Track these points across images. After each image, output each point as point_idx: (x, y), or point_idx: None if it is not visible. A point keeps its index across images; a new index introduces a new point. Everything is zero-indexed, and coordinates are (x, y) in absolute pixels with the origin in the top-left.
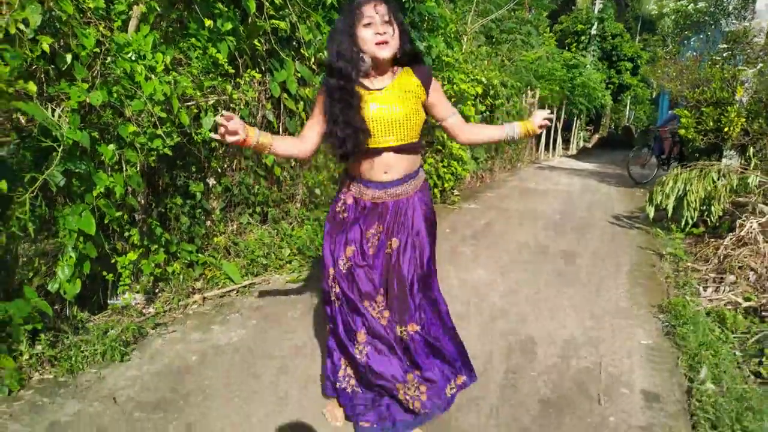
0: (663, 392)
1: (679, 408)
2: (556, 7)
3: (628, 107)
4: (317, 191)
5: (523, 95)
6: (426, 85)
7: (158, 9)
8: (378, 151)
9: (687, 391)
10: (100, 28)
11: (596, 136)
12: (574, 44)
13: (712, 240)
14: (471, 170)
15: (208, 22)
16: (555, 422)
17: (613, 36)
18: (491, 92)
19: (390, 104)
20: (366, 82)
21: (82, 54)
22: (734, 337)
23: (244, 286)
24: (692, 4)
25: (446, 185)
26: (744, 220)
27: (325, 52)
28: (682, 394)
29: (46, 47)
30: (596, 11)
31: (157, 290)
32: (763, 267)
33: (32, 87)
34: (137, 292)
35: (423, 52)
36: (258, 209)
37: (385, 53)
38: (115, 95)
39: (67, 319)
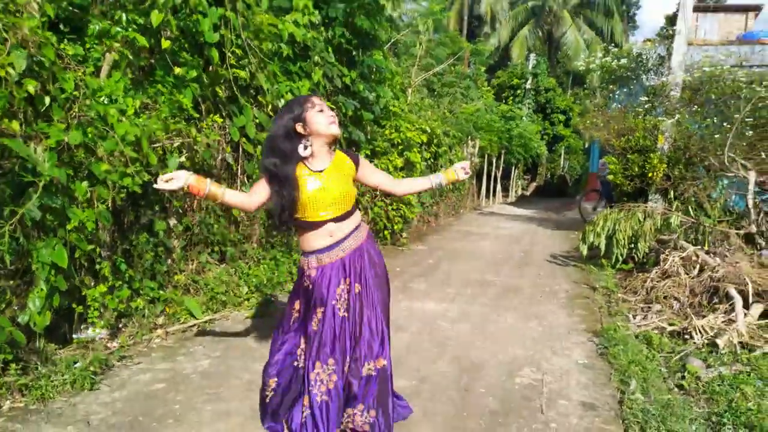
0: (598, 402)
1: (613, 415)
2: (493, 62)
3: (562, 157)
4: (273, 231)
5: (464, 145)
6: (356, 164)
7: (129, 56)
8: (320, 224)
9: (619, 401)
10: (78, 73)
11: (534, 185)
12: (511, 97)
13: (640, 274)
14: (418, 213)
15: (178, 70)
16: (503, 429)
17: (546, 90)
18: (435, 141)
19: (329, 185)
20: (308, 162)
21: (60, 97)
22: (660, 356)
23: (205, 321)
24: (615, 61)
25: (396, 227)
26: (667, 255)
27: (264, 146)
28: (615, 404)
29: (31, 89)
30: (530, 67)
31: (120, 325)
32: (684, 296)
33: (15, 126)
34: (102, 327)
35: (372, 103)
36: (216, 248)
37: (337, 130)
38: (90, 135)
39: (35, 351)
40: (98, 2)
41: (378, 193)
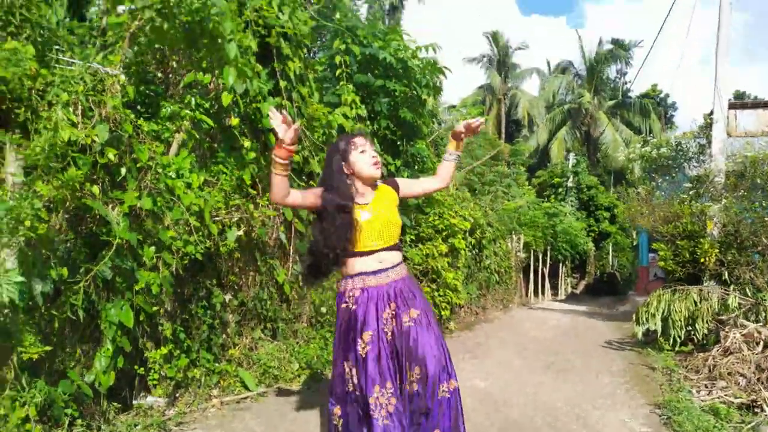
0: None
1: None
2: (533, 163)
3: (610, 254)
4: (323, 309)
5: (508, 239)
6: (396, 188)
7: (197, 136)
8: (370, 252)
9: None
10: (152, 146)
11: (583, 282)
12: (553, 195)
13: (701, 354)
14: (465, 302)
15: (246, 143)
16: None
17: (588, 187)
18: (478, 230)
19: (378, 213)
20: (357, 199)
21: (135, 167)
22: (730, 426)
23: (259, 394)
24: (655, 150)
25: (443, 313)
26: (727, 332)
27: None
28: None
29: (112, 157)
30: (570, 165)
31: (177, 394)
32: (750, 372)
33: (96, 190)
34: (160, 396)
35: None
36: (269, 324)
37: (379, 172)
38: (159, 204)
39: (99, 412)
40: (171, 87)
41: (423, 278)
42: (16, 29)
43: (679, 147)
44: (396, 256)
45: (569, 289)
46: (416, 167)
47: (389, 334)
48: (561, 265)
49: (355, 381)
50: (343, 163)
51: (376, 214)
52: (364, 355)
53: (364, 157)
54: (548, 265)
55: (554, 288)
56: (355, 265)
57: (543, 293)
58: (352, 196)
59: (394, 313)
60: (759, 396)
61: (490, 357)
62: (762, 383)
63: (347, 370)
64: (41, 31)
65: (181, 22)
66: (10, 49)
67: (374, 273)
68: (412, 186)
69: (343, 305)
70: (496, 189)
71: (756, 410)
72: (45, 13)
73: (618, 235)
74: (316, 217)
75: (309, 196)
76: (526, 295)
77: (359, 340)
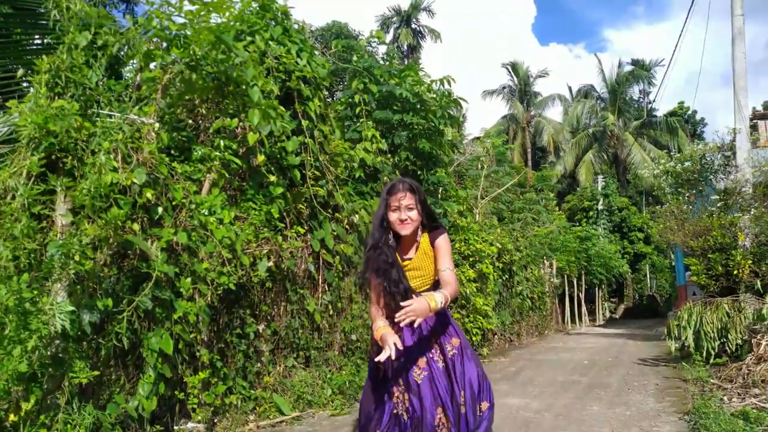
0: None
1: None
2: (562, 188)
3: (648, 276)
4: (353, 337)
5: (540, 265)
6: (432, 243)
7: (226, 176)
8: (410, 295)
9: None
10: (186, 185)
11: (622, 306)
12: (584, 219)
13: (735, 364)
14: (497, 328)
15: (272, 178)
16: None
17: (620, 209)
18: (506, 256)
19: (416, 268)
20: (400, 251)
21: (170, 205)
22: (760, 429)
23: (293, 418)
24: (680, 165)
25: (474, 339)
26: (760, 339)
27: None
28: None
29: (150, 196)
30: (600, 188)
31: (215, 420)
32: None
33: (136, 227)
34: (198, 422)
35: (439, 217)
36: (301, 353)
37: (406, 231)
38: (193, 239)
39: None
40: (202, 134)
41: (452, 305)
42: (62, 89)
43: (703, 160)
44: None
45: (608, 314)
46: (438, 195)
47: (440, 361)
48: (597, 289)
49: (396, 402)
50: (382, 216)
51: (414, 269)
52: (419, 381)
53: (394, 215)
54: (584, 291)
55: (592, 313)
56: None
57: (580, 319)
58: (391, 261)
59: (441, 346)
60: None
61: (523, 377)
62: None
63: (396, 395)
64: (84, 90)
65: (208, 72)
66: (57, 107)
67: None
68: (445, 254)
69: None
70: (525, 216)
71: None
72: (86, 73)
73: (654, 255)
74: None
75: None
76: (563, 321)
77: (414, 368)
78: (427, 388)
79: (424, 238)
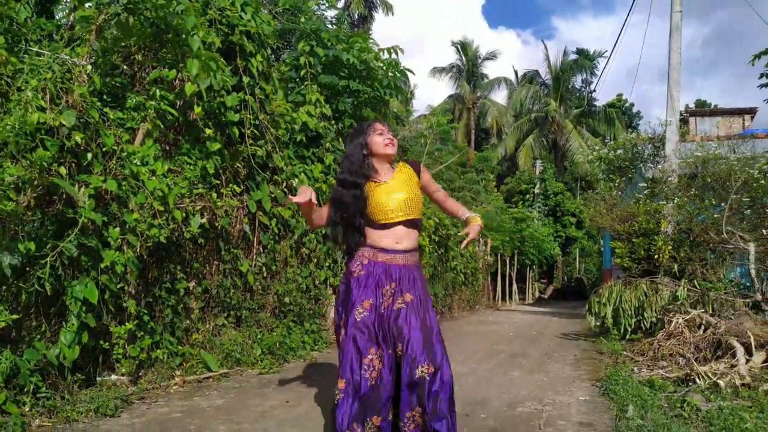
0: (595, 422)
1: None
2: (501, 171)
3: (577, 260)
4: (286, 300)
5: (476, 243)
6: (417, 172)
7: (162, 126)
8: (391, 225)
9: (617, 421)
10: (117, 131)
11: (551, 287)
12: (520, 202)
13: (647, 339)
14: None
15: (208, 131)
16: None
17: (555, 194)
18: (442, 230)
19: (395, 188)
20: (375, 177)
21: (100, 152)
22: (662, 394)
23: (220, 375)
24: (612, 152)
25: None
26: (671, 317)
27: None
28: (612, 424)
29: (78, 140)
30: (537, 172)
31: (140, 374)
32: (689, 353)
33: (63, 170)
34: (122, 374)
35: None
36: (232, 313)
37: (392, 150)
38: (124, 188)
39: (63, 384)
40: (137, 83)
41: None
42: None
43: (635, 149)
44: (412, 239)
45: (537, 294)
46: None
47: (382, 307)
48: (528, 269)
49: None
50: (362, 143)
51: (391, 190)
52: (358, 320)
53: (380, 138)
54: (516, 270)
55: (522, 293)
56: (375, 237)
57: (511, 297)
58: (365, 174)
59: (393, 292)
60: (693, 371)
61: (450, 346)
62: (699, 362)
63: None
64: (11, 24)
65: (146, 18)
66: None
67: (388, 251)
68: (429, 183)
69: (353, 270)
70: (465, 195)
71: (689, 383)
72: (14, 7)
73: (584, 240)
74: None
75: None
76: (494, 298)
77: (358, 306)
78: (363, 327)
79: (403, 166)
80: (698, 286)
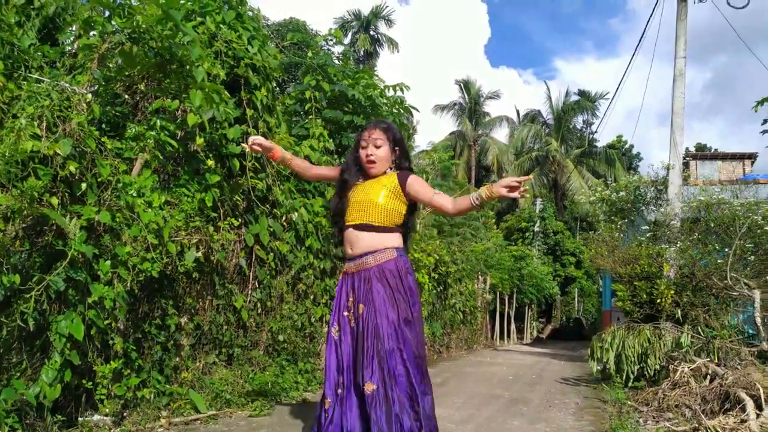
0: None
1: None
2: (501, 208)
3: (576, 299)
4: (280, 338)
5: (475, 281)
6: (402, 183)
7: (160, 157)
8: (345, 230)
9: None
10: (114, 162)
11: (549, 327)
12: (520, 239)
13: (651, 388)
14: (426, 335)
15: (210, 162)
16: None
17: (555, 233)
18: (442, 267)
19: (363, 192)
20: (361, 178)
21: (95, 182)
22: None
23: (208, 417)
24: (615, 194)
25: None
26: (676, 366)
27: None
28: None
29: (72, 169)
30: (537, 211)
31: (124, 414)
32: (696, 404)
33: (54, 201)
34: (106, 415)
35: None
36: (224, 350)
37: (373, 171)
38: (117, 220)
39: (42, 426)
40: (139, 113)
41: None
42: None
43: (637, 191)
44: (371, 240)
45: (535, 333)
46: None
47: (351, 321)
48: (527, 308)
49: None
50: (355, 152)
51: (355, 191)
52: (336, 338)
53: (362, 152)
54: (514, 309)
55: (520, 332)
56: (343, 244)
57: (509, 336)
58: (353, 174)
59: (354, 304)
60: (701, 425)
61: (447, 388)
62: (706, 414)
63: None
64: (12, 50)
65: (150, 47)
66: None
67: (350, 259)
68: (424, 188)
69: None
70: (465, 231)
71: None
72: (17, 32)
73: (583, 280)
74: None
75: (334, 170)
76: (492, 337)
77: (334, 323)
78: (342, 347)
79: (390, 174)
80: (702, 333)
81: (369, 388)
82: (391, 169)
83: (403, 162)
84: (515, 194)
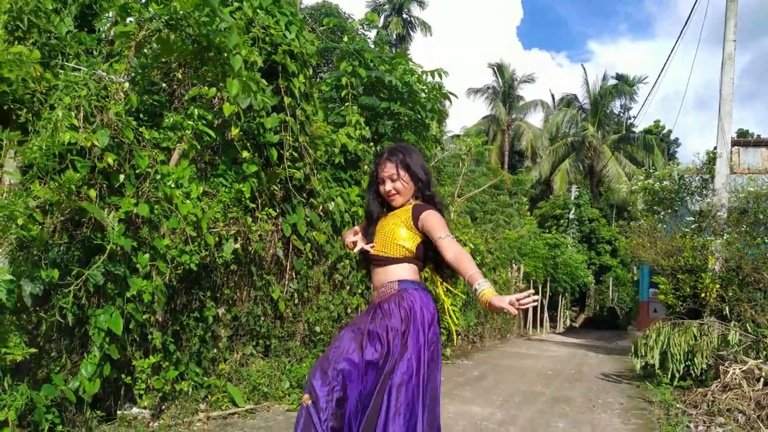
0: None
1: None
2: (535, 194)
3: (611, 288)
4: (317, 329)
5: (509, 269)
6: (414, 218)
7: (198, 147)
8: (368, 260)
9: None
10: (152, 153)
11: (583, 316)
12: (554, 227)
13: (700, 389)
14: (462, 329)
15: (245, 154)
16: None
17: (590, 220)
18: (477, 257)
19: (381, 224)
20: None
21: (133, 174)
22: None
23: (246, 411)
24: (658, 183)
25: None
26: (727, 368)
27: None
28: None
29: (111, 161)
30: (572, 197)
31: (163, 407)
32: (750, 410)
33: (93, 193)
34: (144, 408)
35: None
36: (261, 341)
37: (396, 203)
38: (156, 212)
39: (81, 420)
40: (176, 100)
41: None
42: (23, 34)
43: (682, 181)
44: (386, 274)
45: (568, 322)
46: None
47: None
48: (561, 297)
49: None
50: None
51: (378, 226)
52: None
53: (382, 189)
54: (548, 297)
55: (553, 321)
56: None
57: (541, 325)
58: (373, 214)
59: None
60: None
61: (486, 384)
62: (762, 421)
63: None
64: (49, 38)
65: (188, 34)
66: (15, 52)
67: (373, 289)
68: (434, 228)
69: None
70: (498, 218)
71: None
72: (54, 20)
73: (618, 269)
74: None
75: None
76: (525, 326)
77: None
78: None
79: (405, 209)
80: (749, 330)
81: None
82: (415, 197)
83: (425, 190)
84: (512, 309)
